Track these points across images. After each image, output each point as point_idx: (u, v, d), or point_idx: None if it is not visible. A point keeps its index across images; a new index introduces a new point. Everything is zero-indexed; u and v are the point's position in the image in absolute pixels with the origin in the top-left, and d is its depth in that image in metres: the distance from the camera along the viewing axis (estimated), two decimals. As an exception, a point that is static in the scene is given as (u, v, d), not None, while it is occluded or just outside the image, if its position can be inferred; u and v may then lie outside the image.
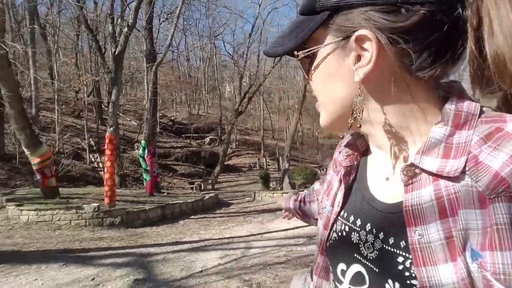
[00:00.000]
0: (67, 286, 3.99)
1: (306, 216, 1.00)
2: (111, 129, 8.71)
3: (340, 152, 0.56)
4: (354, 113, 0.43)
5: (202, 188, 16.48)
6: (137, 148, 18.55)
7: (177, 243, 6.38)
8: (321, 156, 32.80)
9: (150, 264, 4.99)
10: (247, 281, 4.08)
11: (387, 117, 0.42)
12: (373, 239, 0.44)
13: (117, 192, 8.94)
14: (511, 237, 0.31)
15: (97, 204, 7.75)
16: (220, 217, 9.50)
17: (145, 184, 12.08)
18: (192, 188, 16.36)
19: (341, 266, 0.50)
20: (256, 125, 37.97)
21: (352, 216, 0.49)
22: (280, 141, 32.86)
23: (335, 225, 0.53)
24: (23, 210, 7.55)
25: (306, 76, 0.49)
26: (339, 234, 0.51)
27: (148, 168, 11.68)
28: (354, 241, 0.47)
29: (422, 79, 0.39)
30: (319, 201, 0.72)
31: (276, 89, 34.69)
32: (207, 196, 11.72)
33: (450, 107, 0.39)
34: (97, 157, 17.61)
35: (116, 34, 11.66)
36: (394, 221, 0.41)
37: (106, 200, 7.95)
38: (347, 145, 0.55)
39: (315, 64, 0.46)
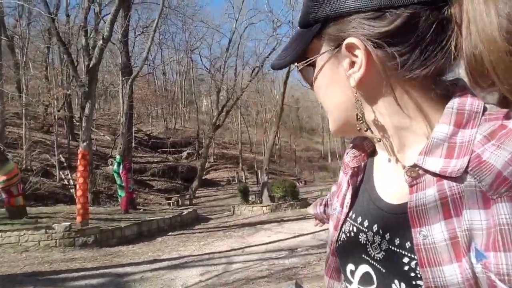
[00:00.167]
0: (36, 313, 3.72)
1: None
2: (84, 144, 8.38)
3: (347, 154, 0.57)
4: (359, 117, 0.44)
5: (180, 203, 16.09)
6: (111, 164, 17.93)
7: (155, 261, 6.15)
8: (299, 169, 33.13)
9: (127, 284, 4.76)
10: (230, 297, 3.98)
11: (387, 119, 0.43)
12: (379, 240, 0.45)
13: (90, 210, 8.54)
14: None
15: (69, 223, 7.35)
16: (199, 232, 9.28)
17: (120, 200, 11.65)
18: (169, 204, 15.93)
19: (350, 266, 0.50)
20: (234, 138, 37.97)
21: (360, 217, 0.50)
22: (258, 154, 32.93)
23: (344, 226, 0.53)
24: (-15, 232, 7.02)
25: (309, 86, 0.51)
26: (348, 235, 0.51)
27: (123, 184, 11.29)
28: (362, 242, 0.48)
29: (417, 79, 0.40)
30: (331, 202, 0.73)
31: (253, 102, 35.01)
32: (185, 212, 11.44)
33: (452, 105, 0.39)
34: (67, 174, 16.82)
35: (90, 47, 11.40)
36: (399, 222, 0.42)
37: (79, 218, 7.56)
38: (354, 147, 0.56)
39: (315, 73, 0.48)
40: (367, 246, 0.47)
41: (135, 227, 8.61)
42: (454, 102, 0.39)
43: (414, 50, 0.39)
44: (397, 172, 0.46)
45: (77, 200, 7.78)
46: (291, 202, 12.95)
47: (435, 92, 0.41)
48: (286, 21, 26.85)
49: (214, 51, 47.40)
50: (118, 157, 11.72)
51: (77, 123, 20.56)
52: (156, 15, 13.03)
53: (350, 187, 0.54)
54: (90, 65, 8.99)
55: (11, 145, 15.39)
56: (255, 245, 6.99)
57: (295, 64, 0.49)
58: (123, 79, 13.65)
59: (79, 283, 4.86)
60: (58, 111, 20.47)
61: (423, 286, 0.37)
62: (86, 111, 8.95)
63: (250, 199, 14.11)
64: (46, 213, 9.53)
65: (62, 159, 17.52)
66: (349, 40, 0.41)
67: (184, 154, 28.63)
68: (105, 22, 10.87)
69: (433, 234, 0.36)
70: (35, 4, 15.23)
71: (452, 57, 0.39)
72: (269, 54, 19.12)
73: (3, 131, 15.11)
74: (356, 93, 0.43)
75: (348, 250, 0.51)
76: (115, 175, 11.65)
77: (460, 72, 0.43)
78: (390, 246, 0.43)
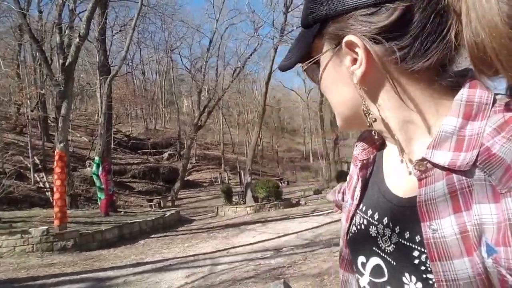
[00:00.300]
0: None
1: None
2: (61, 145, 8.07)
3: (356, 146, 0.57)
4: (365, 112, 0.45)
5: (162, 205, 15.81)
6: (89, 166, 17.36)
7: (138, 264, 6.01)
8: (281, 169, 33.33)
9: (110, 289, 4.62)
10: (218, 298, 3.94)
11: (392, 114, 0.43)
12: (390, 232, 0.45)
13: (68, 213, 8.23)
14: None
15: (46, 227, 7.05)
16: (182, 234, 9.14)
17: (99, 203, 11.29)
18: (151, 206, 15.63)
19: (361, 258, 0.51)
20: (216, 139, 37.70)
21: (370, 210, 0.50)
22: (240, 155, 32.88)
23: (354, 218, 0.54)
24: (-46, 239, 6.63)
25: (316, 84, 0.52)
26: (358, 227, 0.52)
27: (102, 186, 10.96)
28: (373, 235, 0.48)
29: (420, 71, 0.40)
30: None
31: (235, 103, 34.93)
32: (168, 213, 11.25)
33: (461, 97, 0.38)
34: (42, 177, 16.15)
35: (65, 45, 11.01)
36: (409, 215, 0.42)
37: (56, 222, 7.28)
38: (363, 139, 0.56)
39: (320, 72, 0.49)
40: (378, 239, 0.47)
41: (116, 230, 8.38)
42: (463, 94, 0.38)
43: (414, 43, 0.38)
44: (405, 165, 0.46)
45: (54, 203, 7.48)
46: (275, 202, 13.00)
47: (439, 84, 0.40)
48: (268, 22, 26.99)
49: (195, 51, 46.87)
50: (97, 158, 11.37)
51: (52, 124, 19.75)
52: (135, 13, 12.74)
53: (360, 180, 0.54)
54: (66, 64, 8.68)
55: (-20, 147, 14.61)
56: (240, 246, 6.96)
57: (300, 64, 0.49)
58: (101, 78, 13.28)
59: (58, 289, 4.67)
60: (32, 111, 19.62)
61: (433, 280, 0.37)
62: (63, 111, 8.63)
63: (233, 199, 14.04)
64: (20, 217, 9.10)
65: (37, 161, 16.81)
66: (348, 37, 0.41)
67: (165, 155, 28.15)
68: (80, 20, 10.54)
69: (442, 228, 0.36)
70: (5, -2, 14.52)
71: (453, 47, 0.38)
72: (251, 55, 19.18)
73: (-29, 132, 14.32)
74: (359, 89, 0.43)
75: (359, 242, 0.52)
76: (94, 177, 11.29)
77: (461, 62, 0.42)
78: (400, 239, 0.43)
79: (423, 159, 0.39)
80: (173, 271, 5.43)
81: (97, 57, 13.99)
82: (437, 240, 0.36)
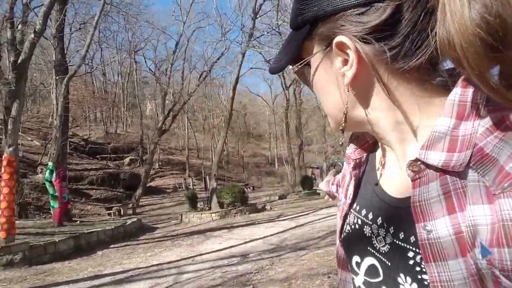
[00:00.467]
0: None
1: None
2: (10, 149, 7.43)
3: (349, 145, 0.57)
4: (345, 115, 0.45)
5: (122, 213, 15.09)
6: (41, 172, 16.12)
7: (96, 277, 5.65)
8: (247, 175, 33.36)
9: (64, 305, 4.28)
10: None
11: (383, 114, 0.43)
12: (384, 233, 0.45)
13: (16, 223, 7.56)
14: None
15: (-10, 240, 6.41)
16: (145, 243, 8.77)
17: (52, 212, 10.50)
18: (110, 214, 14.83)
19: (356, 258, 0.51)
20: (181, 144, 36.96)
21: (364, 210, 0.50)
22: (205, 160, 32.45)
23: (348, 217, 0.54)
24: None
25: (308, 86, 0.52)
26: (353, 227, 0.52)
27: (56, 194, 10.21)
28: (367, 234, 0.48)
29: (411, 71, 0.39)
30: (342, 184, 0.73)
31: (200, 107, 34.48)
32: (128, 222, 10.74)
33: (454, 97, 0.37)
34: (-14, 184, 14.73)
35: (17, 41, 10.21)
36: (403, 216, 0.42)
37: (2, 234, 6.64)
38: (356, 138, 0.56)
39: (311, 74, 0.48)
40: (372, 239, 0.47)
41: (72, 240, 7.83)
42: (456, 94, 0.37)
43: (405, 42, 0.38)
44: (398, 166, 0.46)
45: (0, 213, 6.83)
46: (241, 208, 12.95)
47: (431, 83, 0.40)
48: (236, 26, 26.94)
49: (160, 53, 45.80)
50: (50, 164, 10.59)
51: (0, 126, 18.17)
52: (97, 11, 12.18)
53: (353, 179, 0.54)
54: (19, 61, 8.03)
55: None
56: (206, 253, 6.81)
57: (291, 66, 0.48)
58: (57, 78, 12.46)
59: (4, 308, 4.24)
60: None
61: (428, 281, 0.37)
62: (13, 112, 7.94)
63: (198, 206, 13.78)
64: (-42, 230, 8.18)
65: (-20, 167, 15.32)
66: (338, 38, 0.40)
67: (127, 160, 27.01)
68: (36, 15, 9.86)
69: (437, 229, 0.36)
70: None
71: None
72: (218, 59, 19.11)
73: None
74: (348, 91, 0.43)
75: (353, 242, 0.52)
76: (47, 184, 10.50)
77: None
78: (395, 240, 0.43)
79: (417, 160, 0.39)
80: (135, 283, 5.17)
81: (54, 56, 13.12)
82: (431, 241, 0.36)
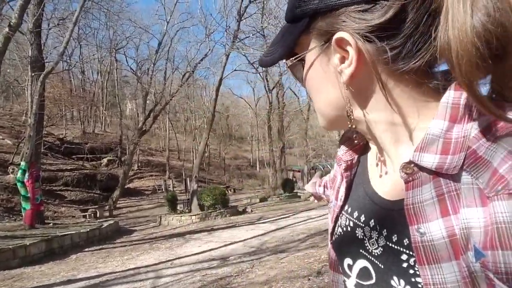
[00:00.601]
0: None
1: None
2: (-21, 147, 7.04)
3: (340, 147, 0.57)
4: (349, 114, 0.44)
5: (98, 215, 14.63)
6: (12, 172, 15.38)
7: (69, 281, 5.44)
8: (228, 177, 33.18)
9: (34, 311, 4.09)
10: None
11: (379, 115, 0.43)
12: (377, 235, 0.45)
13: (-17, 226, 7.17)
14: None
15: (-47, 243, 6.05)
16: (122, 246, 8.53)
17: (24, 214, 10.03)
18: (85, 217, 14.34)
19: (348, 260, 0.50)
20: (161, 145, 36.36)
21: (356, 212, 0.50)
22: (186, 162, 32.06)
23: (339, 219, 0.53)
24: None
25: (300, 82, 0.50)
26: (344, 229, 0.51)
27: (28, 195, 9.77)
28: (359, 237, 0.48)
29: (409, 72, 0.39)
30: (331, 185, 0.72)
31: (182, 108, 34.08)
32: (105, 224, 10.43)
33: (447, 100, 0.38)
34: (-48, 184, 13.92)
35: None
36: (396, 218, 0.42)
37: (-32, 237, 6.28)
38: (347, 139, 0.56)
39: (304, 70, 0.47)
40: (365, 241, 0.46)
41: (44, 244, 7.50)
42: (449, 96, 0.38)
43: (406, 43, 0.38)
44: (391, 168, 0.45)
45: (-34, 215, 6.46)
46: (221, 210, 12.84)
47: (427, 86, 0.40)
48: (220, 28, 26.92)
49: (142, 52, 44.96)
50: (23, 163, 10.13)
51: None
52: (78, 7, 11.83)
53: (344, 180, 0.53)
54: (-9, 56, 7.66)
55: None
56: (185, 256, 6.69)
57: (284, 61, 0.47)
58: (33, 74, 11.98)
59: (-33, 316, 3.99)
60: None
61: (422, 283, 0.37)
62: (-17, 108, 7.56)
63: (178, 208, 13.55)
64: None
65: None
66: (339, 34, 0.39)
67: (104, 161, 26.22)
68: (12, 8, 9.45)
69: (431, 231, 0.36)
70: None
71: None
72: (201, 60, 18.95)
73: None
74: (346, 89, 0.42)
75: (345, 244, 0.51)
76: (19, 184, 10.03)
77: None
78: (388, 243, 0.42)
79: (410, 162, 0.38)
80: (110, 287, 5.01)
81: (30, 51, 12.59)
82: (425, 244, 0.36)
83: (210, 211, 12.73)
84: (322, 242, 6.43)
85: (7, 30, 7.53)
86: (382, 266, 0.43)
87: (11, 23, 7.64)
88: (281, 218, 11.10)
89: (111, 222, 11.18)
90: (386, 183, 0.46)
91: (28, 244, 7.05)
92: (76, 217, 14.94)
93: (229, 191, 22.38)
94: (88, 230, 9.24)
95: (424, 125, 0.40)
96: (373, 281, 0.45)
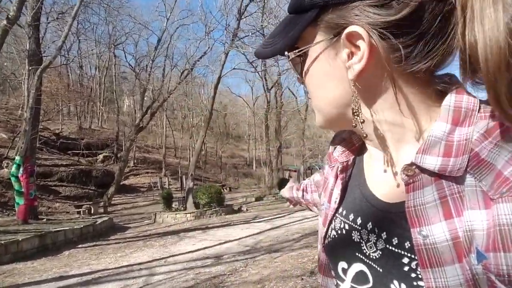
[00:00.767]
0: None
1: (310, 204, 0.93)
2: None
3: (335, 148, 0.55)
4: (355, 112, 0.42)
5: (93, 211, 14.57)
6: (6, 166, 15.26)
7: (61, 278, 5.40)
8: (224, 175, 33.16)
9: (25, 307, 4.06)
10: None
11: (383, 114, 0.42)
12: (375, 238, 0.44)
13: (-24, 220, 7.11)
14: None
15: None
16: (115, 243, 8.49)
17: (17, 209, 9.95)
18: (79, 213, 14.27)
19: (342, 264, 0.49)
20: (158, 142, 36.26)
21: (352, 214, 0.48)
22: (183, 159, 32.01)
23: (333, 222, 0.52)
24: None
25: (299, 77, 0.48)
26: (339, 232, 0.50)
27: (22, 190, 9.68)
28: (355, 240, 0.46)
29: (418, 73, 0.38)
30: (312, 190, 0.70)
31: (180, 105, 33.98)
32: (99, 221, 10.36)
33: (449, 103, 0.38)
34: None
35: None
36: (396, 221, 0.41)
37: (-41, 231, 6.22)
38: (342, 140, 0.54)
39: (307, 64, 0.45)
40: (361, 245, 0.45)
41: (37, 239, 7.44)
42: (451, 99, 0.38)
43: (418, 43, 0.37)
44: (391, 170, 0.44)
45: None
46: (216, 208, 12.83)
47: (433, 88, 0.40)
48: (220, 26, 26.79)
49: (141, 48, 44.79)
50: (17, 158, 10.05)
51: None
52: (77, 2, 11.74)
53: (339, 182, 0.52)
54: (-13, 48, 7.59)
55: None
56: (179, 254, 6.68)
57: (286, 53, 0.44)
58: (30, 68, 11.89)
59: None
60: None
61: (424, 287, 0.36)
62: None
63: (173, 206, 13.52)
64: None
65: None
66: (352, 28, 0.38)
67: (100, 157, 26.11)
68: (10, 0, 9.37)
69: (434, 234, 0.35)
70: None
71: (451, 51, 0.38)
72: (201, 58, 18.88)
73: None
74: (353, 85, 0.40)
75: (339, 247, 0.50)
76: (13, 179, 9.94)
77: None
78: (388, 246, 0.41)
79: (412, 164, 0.38)
80: (103, 284, 4.99)
81: (28, 45, 12.48)
82: (428, 247, 0.35)
83: (205, 209, 12.72)
84: (316, 242, 6.38)
85: (5, 23, 7.46)
86: (381, 270, 0.42)
87: (9, 16, 7.57)
88: (276, 217, 11.12)
89: (105, 218, 11.13)
90: (384, 185, 0.45)
91: (20, 239, 6.99)
92: (70, 213, 14.86)
93: (225, 189, 22.37)
94: (82, 226, 9.19)
95: (428, 127, 0.39)
96: (370, 285, 0.44)
